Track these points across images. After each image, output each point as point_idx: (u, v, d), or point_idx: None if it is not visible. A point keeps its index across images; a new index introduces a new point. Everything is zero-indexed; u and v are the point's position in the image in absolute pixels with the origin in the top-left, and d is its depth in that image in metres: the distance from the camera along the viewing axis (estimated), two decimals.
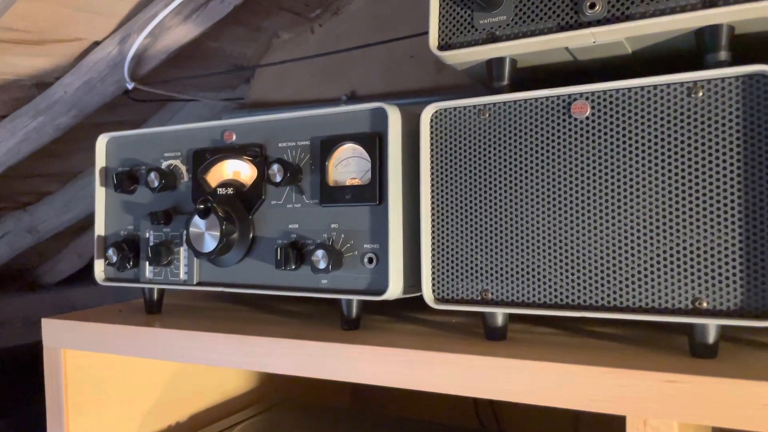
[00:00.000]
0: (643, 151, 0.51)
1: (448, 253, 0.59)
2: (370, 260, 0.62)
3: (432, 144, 0.60)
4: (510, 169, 0.56)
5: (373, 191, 0.62)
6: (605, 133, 0.53)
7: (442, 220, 0.59)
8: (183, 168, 0.75)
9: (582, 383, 0.50)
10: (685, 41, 0.54)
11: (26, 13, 0.98)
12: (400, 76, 1.19)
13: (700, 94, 0.49)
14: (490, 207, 0.57)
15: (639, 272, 0.51)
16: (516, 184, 0.56)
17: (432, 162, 0.60)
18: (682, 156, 0.50)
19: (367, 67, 1.23)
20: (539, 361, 0.51)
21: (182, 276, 0.73)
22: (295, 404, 1.02)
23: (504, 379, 0.53)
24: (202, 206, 0.67)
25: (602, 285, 0.53)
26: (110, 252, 0.76)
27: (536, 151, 0.55)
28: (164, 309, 0.81)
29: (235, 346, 0.65)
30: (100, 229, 0.80)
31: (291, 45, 1.32)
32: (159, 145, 0.76)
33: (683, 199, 0.50)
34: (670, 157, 0.50)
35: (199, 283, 0.72)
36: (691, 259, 0.49)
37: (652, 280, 0.51)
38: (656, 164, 0.51)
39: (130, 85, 1.15)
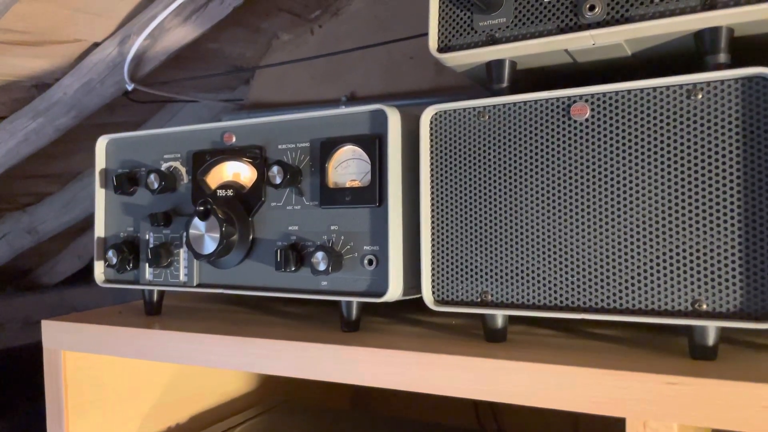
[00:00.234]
0: (643, 153, 0.51)
1: (447, 254, 0.59)
2: (370, 262, 0.62)
3: (432, 146, 0.60)
4: (509, 171, 0.56)
5: (373, 193, 0.62)
6: (605, 135, 0.53)
7: (442, 221, 0.60)
8: (183, 170, 0.75)
9: (582, 385, 0.50)
10: (685, 43, 0.54)
11: (26, 15, 0.98)
12: (399, 77, 1.19)
13: (700, 96, 0.49)
14: (490, 209, 0.57)
15: (639, 274, 0.51)
16: (516, 186, 0.56)
17: (432, 164, 0.60)
18: (682, 158, 0.50)
19: (367, 68, 1.23)
20: (539, 363, 0.51)
21: (182, 278, 0.73)
22: (295, 406, 1.02)
23: (504, 380, 0.53)
24: (201, 208, 0.67)
25: (602, 287, 0.53)
26: (110, 253, 0.75)
27: (536, 153, 0.55)
28: (164, 310, 0.81)
29: (235, 347, 0.65)
30: (99, 230, 0.80)
31: (290, 46, 1.32)
32: (159, 147, 0.76)
33: (683, 201, 0.50)
34: (669, 159, 0.50)
35: (199, 285, 0.72)
36: (691, 261, 0.49)
37: (652, 281, 0.51)
38: (656, 166, 0.51)
39: (129, 87, 1.15)
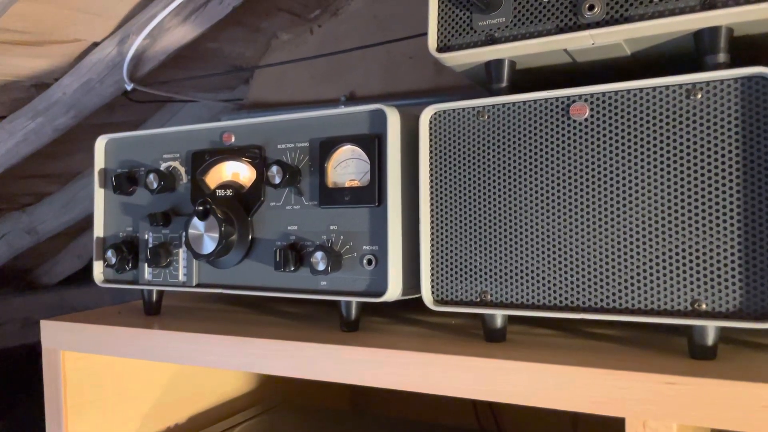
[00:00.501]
0: (642, 153, 0.51)
1: (447, 254, 0.59)
2: (369, 262, 0.62)
3: (431, 145, 0.60)
4: (509, 171, 0.56)
5: (372, 193, 0.62)
6: (604, 135, 0.53)
7: (442, 221, 0.59)
8: (182, 169, 0.75)
9: (581, 385, 0.50)
10: (684, 43, 0.54)
11: (25, 14, 0.98)
12: (399, 77, 1.19)
13: (699, 96, 0.49)
14: (489, 208, 0.57)
15: (638, 274, 0.51)
16: (515, 186, 0.56)
17: (431, 163, 0.60)
18: (681, 158, 0.50)
19: (366, 68, 1.23)
20: (538, 363, 0.51)
21: (181, 277, 0.73)
22: (294, 406, 1.02)
23: (503, 380, 0.53)
24: (201, 208, 0.67)
25: (601, 287, 0.53)
26: (109, 253, 0.75)
27: (535, 153, 0.55)
28: (163, 310, 0.81)
29: (234, 347, 0.65)
30: (99, 230, 0.80)
31: (290, 46, 1.32)
32: (158, 147, 0.76)
33: (682, 201, 0.50)
34: (669, 158, 0.50)
35: (198, 285, 0.72)
36: (691, 261, 0.49)
37: (652, 281, 0.51)
38: (655, 166, 0.51)
39: (129, 86, 1.15)
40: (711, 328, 0.50)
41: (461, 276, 0.58)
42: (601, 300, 0.53)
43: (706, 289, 0.49)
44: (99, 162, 0.80)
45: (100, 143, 0.80)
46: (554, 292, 0.54)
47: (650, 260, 0.51)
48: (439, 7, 0.60)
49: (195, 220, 0.68)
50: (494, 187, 0.57)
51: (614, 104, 0.52)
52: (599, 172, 0.53)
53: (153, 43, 1.11)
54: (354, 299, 0.63)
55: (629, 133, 0.52)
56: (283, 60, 1.31)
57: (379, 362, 0.58)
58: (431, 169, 0.60)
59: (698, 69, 0.51)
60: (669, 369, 0.48)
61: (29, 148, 1.24)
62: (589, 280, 0.53)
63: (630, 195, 0.51)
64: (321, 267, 0.61)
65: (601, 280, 0.52)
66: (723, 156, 0.49)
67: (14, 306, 1.71)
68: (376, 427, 0.96)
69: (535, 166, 0.55)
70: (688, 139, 0.50)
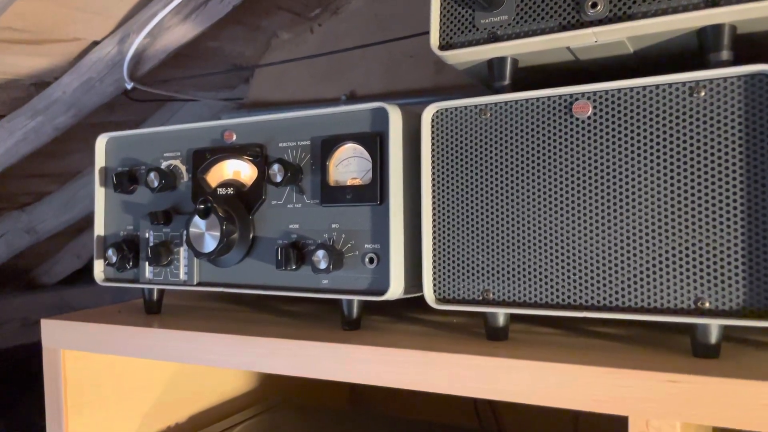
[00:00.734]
0: (645, 151, 0.51)
1: (449, 253, 0.59)
2: (371, 260, 0.61)
3: (433, 144, 0.60)
4: (511, 169, 0.56)
5: (374, 191, 0.62)
6: (607, 133, 0.52)
7: (443, 219, 0.59)
8: (183, 168, 0.74)
9: (584, 383, 0.50)
10: (687, 41, 0.54)
11: (25, 13, 0.97)
12: (399, 76, 1.19)
13: (702, 93, 0.49)
14: (492, 207, 0.57)
15: (641, 272, 0.51)
16: (517, 184, 0.56)
17: (433, 162, 0.60)
18: (684, 156, 0.50)
19: (367, 67, 1.23)
20: (540, 362, 0.51)
21: (182, 276, 0.73)
22: (295, 405, 1.02)
23: (505, 379, 0.53)
24: (202, 206, 0.67)
25: (604, 285, 0.52)
26: (110, 252, 0.75)
27: (538, 151, 0.55)
28: (164, 309, 0.81)
29: (235, 346, 0.65)
30: (99, 229, 0.80)
31: (290, 45, 1.32)
32: (159, 145, 0.76)
33: (685, 198, 0.50)
34: (672, 156, 0.50)
35: (199, 284, 0.72)
36: (694, 259, 0.49)
37: (655, 280, 0.51)
38: (658, 164, 0.51)
39: (129, 85, 1.15)
40: (714, 326, 0.50)
41: (463, 274, 0.58)
42: (604, 298, 0.52)
43: (710, 287, 0.49)
44: (99, 160, 0.80)
45: (101, 142, 0.80)
46: (557, 290, 0.54)
47: (653, 258, 0.51)
48: (441, 4, 0.60)
49: (196, 218, 0.67)
50: (496, 186, 0.57)
51: (617, 102, 0.52)
52: (602, 170, 0.53)
53: (153, 41, 1.11)
54: (356, 298, 0.63)
55: (632, 131, 0.52)
56: (283, 59, 1.31)
57: (380, 361, 0.58)
58: (433, 168, 0.60)
59: (701, 67, 0.51)
60: (672, 367, 0.48)
61: (29, 147, 1.23)
62: (592, 278, 0.53)
63: (633, 193, 0.51)
64: (322, 265, 0.61)
65: (604, 278, 0.52)
66: (726, 153, 0.48)
67: (14, 305, 1.71)
68: (376, 426, 0.95)
69: (538, 165, 0.55)
70: (691, 137, 0.50)
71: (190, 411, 0.92)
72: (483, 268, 0.57)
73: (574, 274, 0.53)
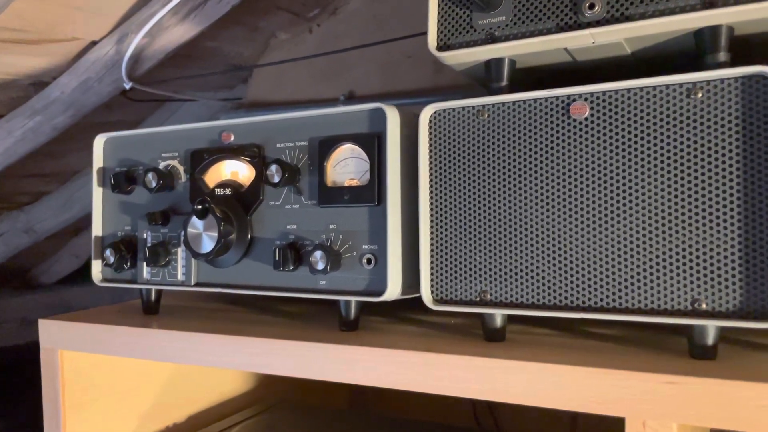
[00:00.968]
0: (643, 153, 0.51)
1: (446, 254, 0.59)
2: (369, 261, 0.61)
3: (431, 144, 0.60)
4: (509, 170, 0.56)
5: (372, 192, 0.62)
6: (604, 134, 0.52)
7: (441, 220, 0.59)
8: (181, 168, 0.74)
9: (581, 384, 0.50)
10: (685, 42, 0.54)
11: (23, 13, 0.97)
12: (398, 76, 1.19)
13: (700, 95, 0.49)
14: (489, 208, 0.57)
15: (638, 273, 0.51)
16: (515, 185, 0.56)
17: (431, 162, 0.60)
18: (682, 157, 0.50)
19: (365, 67, 1.23)
20: (538, 363, 0.51)
21: (180, 277, 0.72)
22: (293, 405, 1.02)
23: (503, 380, 0.53)
24: (200, 207, 0.67)
25: (601, 286, 0.52)
26: (107, 252, 0.75)
27: (535, 152, 0.55)
28: (162, 310, 0.81)
29: (233, 347, 0.65)
30: (97, 229, 0.80)
31: (289, 45, 1.32)
32: (157, 146, 0.76)
33: (683, 200, 0.50)
34: (669, 158, 0.50)
35: (196, 284, 0.72)
36: (691, 261, 0.49)
37: (652, 281, 0.51)
38: (655, 165, 0.51)
39: (127, 85, 1.15)
40: (711, 327, 0.50)
41: (461, 275, 0.58)
42: (601, 299, 0.52)
43: (706, 289, 0.49)
44: (97, 161, 0.80)
45: (99, 142, 0.80)
46: (554, 291, 0.54)
47: (650, 260, 0.51)
48: (439, 5, 0.60)
49: (194, 219, 0.67)
50: (494, 187, 0.57)
51: (614, 103, 0.52)
52: (599, 172, 0.53)
53: (151, 41, 1.11)
54: (353, 299, 0.63)
55: (629, 133, 0.52)
56: (282, 59, 1.31)
57: (378, 362, 0.58)
58: (431, 168, 0.60)
59: (699, 68, 0.51)
60: (669, 369, 0.48)
61: (27, 147, 1.23)
62: (589, 279, 0.53)
63: (630, 194, 0.51)
64: (320, 266, 0.61)
65: (601, 279, 0.52)
66: (723, 155, 0.48)
67: (12, 305, 1.71)
68: (374, 426, 0.95)
69: (535, 166, 0.55)
70: (688, 139, 0.50)
71: (188, 411, 0.92)
72: (480, 269, 0.57)
73: (571, 276, 0.53)
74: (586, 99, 0.53)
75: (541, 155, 0.55)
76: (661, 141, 0.50)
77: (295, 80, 1.31)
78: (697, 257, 0.49)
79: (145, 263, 0.74)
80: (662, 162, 0.50)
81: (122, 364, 0.83)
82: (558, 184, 0.54)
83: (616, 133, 0.52)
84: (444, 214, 0.59)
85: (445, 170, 0.59)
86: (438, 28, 0.60)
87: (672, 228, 0.50)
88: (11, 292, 1.76)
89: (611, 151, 0.52)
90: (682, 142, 0.50)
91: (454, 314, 0.72)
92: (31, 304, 1.74)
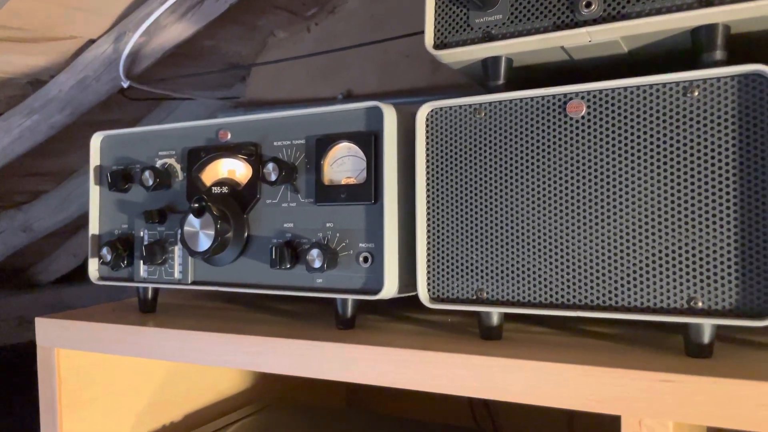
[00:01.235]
0: (639, 151, 0.51)
1: (443, 252, 0.59)
2: (366, 259, 0.61)
3: (427, 143, 0.60)
4: (505, 169, 0.56)
5: (369, 190, 0.62)
6: (600, 133, 0.52)
7: (438, 219, 0.59)
8: (178, 167, 0.74)
9: (577, 383, 0.50)
10: (681, 40, 0.54)
11: (21, 11, 0.97)
12: (395, 75, 1.19)
13: (696, 93, 0.49)
14: (486, 206, 0.57)
15: (634, 272, 0.51)
16: (511, 184, 0.56)
17: (427, 161, 0.60)
18: (678, 155, 0.50)
19: (363, 66, 1.23)
20: (534, 361, 0.51)
21: (177, 275, 0.72)
22: (290, 404, 1.02)
23: (499, 378, 0.53)
24: (196, 205, 0.67)
25: (597, 284, 0.52)
26: (104, 251, 0.75)
27: (532, 151, 0.55)
28: (158, 308, 0.80)
29: (230, 345, 0.65)
30: (94, 227, 0.80)
31: (287, 44, 1.32)
32: (154, 144, 0.76)
33: (679, 198, 0.50)
34: (665, 156, 0.50)
35: (193, 282, 0.72)
36: (687, 259, 0.49)
37: (648, 279, 0.51)
38: (651, 164, 0.51)
39: (125, 84, 1.15)
40: (707, 326, 0.50)
41: (457, 274, 0.58)
42: (597, 298, 0.52)
43: (703, 287, 0.49)
44: (94, 159, 0.80)
45: (96, 140, 0.80)
46: (550, 289, 0.54)
47: (646, 258, 0.51)
48: (436, 4, 0.60)
49: (190, 217, 0.67)
50: (490, 185, 0.57)
51: (611, 102, 0.52)
52: (596, 170, 0.53)
53: (149, 40, 1.11)
54: (350, 297, 0.63)
55: (626, 131, 0.52)
56: (279, 58, 1.31)
57: (374, 360, 0.58)
58: (428, 167, 0.60)
59: (695, 66, 0.51)
60: (665, 367, 0.48)
61: (25, 145, 1.23)
62: (585, 277, 0.53)
63: (626, 192, 0.51)
64: (317, 264, 0.61)
65: (597, 277, 0.52)
66: (720, 153, 0.48)
67: (10, 304, 1.71)
68: (371, 425, 0.96)
69: (532, 164, 0.55)
70: (685, 137, 0.50)
71: (185, 410, 0.92)
72: (477, 268, 0.57)
73: (568, 274, 0.54)
74: (582, 97, 0.53)
75: (538, 154, 0.55)
76: (658, 139, 0.50)
77: (293, 79, 1.31)
78: (693, 255, 0.49)
79: (141, 261, 0.74)
80: (659, 160, 0.50)
81: (119, 362, 0.83)
82: (554, 182, 0.54)
83: (613, 132, 0.52)
84: (441, 213, 0.59)
85: (441, 169, 0.59)
86: (435, 27, 0.60)
87: (668, 226, 0.50)
88: (9, 291, 1.76)
89: (608, 149, 0.52)
90: (678, 141, 0.50)
91: (450, 312, 0.72)
92: (28, 302, 1.74)
